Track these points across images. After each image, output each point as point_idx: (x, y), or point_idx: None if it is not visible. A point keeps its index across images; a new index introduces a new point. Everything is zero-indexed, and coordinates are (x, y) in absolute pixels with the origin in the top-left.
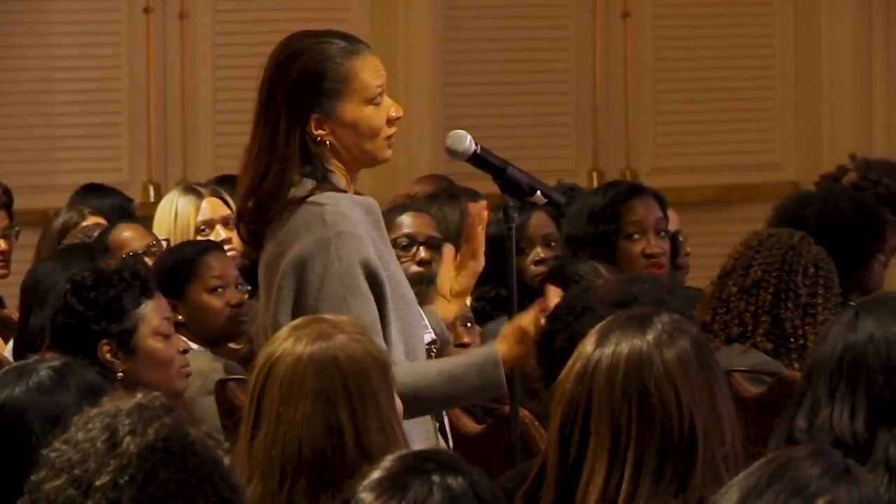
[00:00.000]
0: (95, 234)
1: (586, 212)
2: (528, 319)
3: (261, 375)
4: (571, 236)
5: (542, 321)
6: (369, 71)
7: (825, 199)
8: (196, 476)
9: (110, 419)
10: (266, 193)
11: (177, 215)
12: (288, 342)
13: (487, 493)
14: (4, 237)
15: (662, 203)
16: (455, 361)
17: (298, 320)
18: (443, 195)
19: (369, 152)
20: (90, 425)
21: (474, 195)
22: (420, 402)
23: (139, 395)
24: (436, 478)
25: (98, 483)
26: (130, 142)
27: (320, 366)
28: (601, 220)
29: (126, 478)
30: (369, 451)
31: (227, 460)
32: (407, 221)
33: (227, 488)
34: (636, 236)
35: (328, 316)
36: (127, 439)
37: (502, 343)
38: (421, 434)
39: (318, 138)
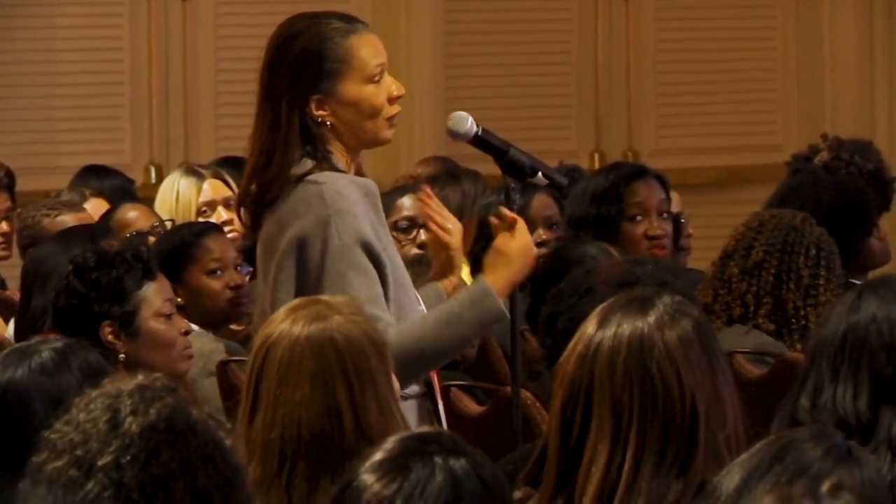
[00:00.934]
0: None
1: (589, 193)
2: (501, 241)
3: (258, 357)
4: (574, 218)
5: (515, 235)
6: (368, 49)
7: (806, 195)
8: (198, 456)
9: (112, 400)
10: (269, 176)
11: (178, 197)
12: (285, 324)
13: (489, 475)
14: (6, 219)
15: (665, 185)
16: (448, 304)
17: (295, 301)
18: (444, 176)
19: (370, 132)
20: (91, 406)
21: (476, 176)
22: (429, 354)
23: (140, 377)
24: (438, 459)
25: (100, 463)
26: (132, 123)
27: (318, 347)
28: (604, 201)
29: (128, 458)
30: (368, 432)
31: (228, 441)
32: (407, 203)
33: (229, 468)
34: (638, 218)
35: (325, 297)
36: (129, 419)
37: (488, 273)
38: (415, 416)
39: (320, 119)
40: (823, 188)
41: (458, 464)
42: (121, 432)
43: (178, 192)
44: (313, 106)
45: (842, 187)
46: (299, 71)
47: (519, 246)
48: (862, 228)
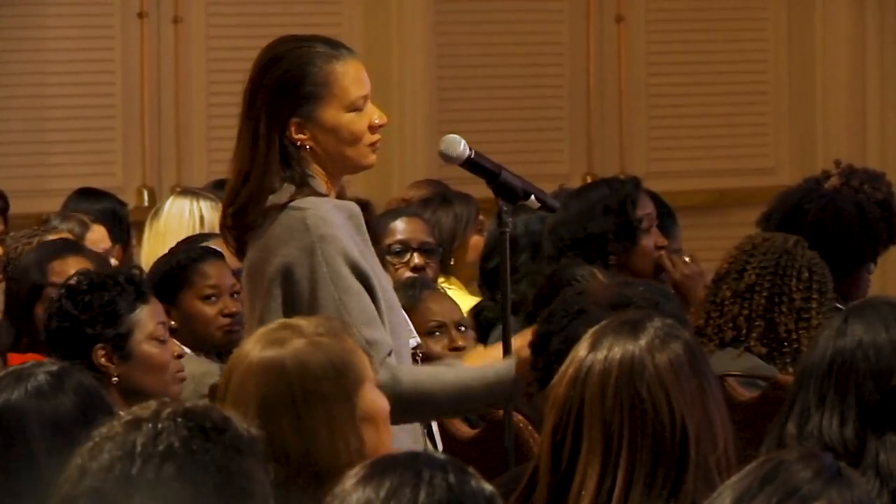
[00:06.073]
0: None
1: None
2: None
3: (223, 379)
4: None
5: None
6: (350, 77)
7: (831, 197)
8: (233, 447)
9: (130, 420)
10: (245, 198)
11: (202, 221)
12: (246, 347)
13: (468, 497)
14: (0, 243)
15: (658, 202)
16: (471, 375)
17: (272, 324)
18: (436, 200)
19: (351, 158)
20: (114, 439)
21: (468, 199)
22: (432, 412)
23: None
24: (408, 472)
25: (137, 472)
26: (124, 146)
27: (263, 374)
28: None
29: (162, 446)
30: (315, 457)
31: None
32: (401, 227)
33: (259, 465)
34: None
35: (300, 319)
36: (158, 423)
37: (516, 361)
38: (409, 438)
39: (299, 143)
40: (836, 205)
41: (437, 478)
42: (148, 429)
43: (201, 216)
44: (292, 129)
45: (862, 210)
46: (279, 93)
47: None
48: (852, 257)
